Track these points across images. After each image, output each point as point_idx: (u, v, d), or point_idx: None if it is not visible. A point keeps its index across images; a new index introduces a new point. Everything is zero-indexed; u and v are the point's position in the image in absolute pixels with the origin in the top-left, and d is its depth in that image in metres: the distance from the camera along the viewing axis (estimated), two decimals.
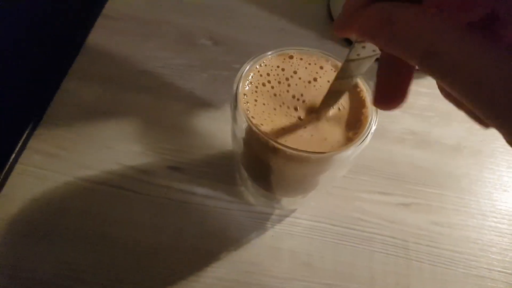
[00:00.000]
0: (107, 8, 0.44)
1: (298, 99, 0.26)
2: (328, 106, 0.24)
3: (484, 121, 0.16)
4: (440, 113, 0.42)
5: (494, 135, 0.41)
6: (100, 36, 0.42)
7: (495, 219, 0.36)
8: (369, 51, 0.19)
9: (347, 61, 0.20)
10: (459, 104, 0.17)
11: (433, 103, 0.42)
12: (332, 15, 0.47)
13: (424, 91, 0.43)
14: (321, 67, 0.27)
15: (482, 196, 0.37)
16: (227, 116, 0.39)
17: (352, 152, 0.24)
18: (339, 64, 0.27)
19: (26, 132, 0.35)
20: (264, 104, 0.25)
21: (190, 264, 0.31)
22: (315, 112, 0.25)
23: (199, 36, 0.44)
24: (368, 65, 0.20)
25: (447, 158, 0.39)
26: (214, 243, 0.32)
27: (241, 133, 0.26)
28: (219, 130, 0.38)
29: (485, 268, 0.33)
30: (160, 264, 0.31)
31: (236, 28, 0.45)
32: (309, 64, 0.27)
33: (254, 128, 0.23)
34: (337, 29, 0.17)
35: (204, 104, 0.40)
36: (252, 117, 0.25)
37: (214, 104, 0.40)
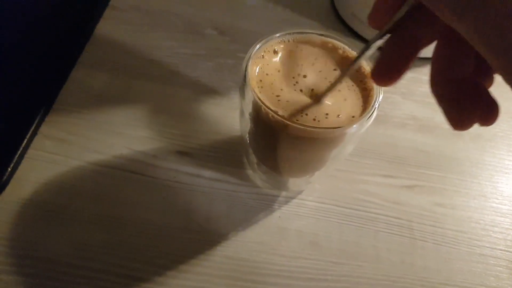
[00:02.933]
0: (114, 0, 0.45)
1: (304, 76, 0.26)
2: (331, 90, 0.25)
3: (455, 121, 0.17)
4: None
5: None
6: (108, 26, 0.43)
7: (496, 200, 0.36)
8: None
9: (362, 56, 0.21)
10: (440, 100, 0.18)
11: None
12: (335, 5, 0.48)
13: (425, 78, 0.44)
14: (327, 48, 0.28)
15: (483, 178, 0.37)
16: (232, 102, 0.40)
17: (360, 127, 0.25)
18: (340, 44, 0.28)
19: (37, 118, 0.36)
20: (272, 82, 0.26)
21: (199, 243, 0.32)
22: (319, 95, 0.26)
23: (205, 26, 0.45)
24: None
25: (448, 142, 0.40)
26: (222, 223, 0.33)
27: (248, 109, 0.27)
28: (225, 116, 0.39)
29: (487, 247, 0.34)
30: (170, 244, 0.32)
31: (241, 18, 0.46)
32: (314, 46, 0.28)
33: (261, 104, 0.24)
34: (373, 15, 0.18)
35: (210, 91, 0.40)
36: (261, 93, 0.25)
37: (220, 91, 0.40)
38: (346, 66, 0.24)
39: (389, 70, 0.20)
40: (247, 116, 0.28)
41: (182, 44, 0.43)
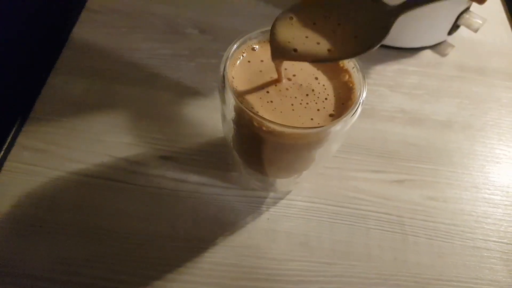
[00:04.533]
0: (91, 2, 0.44)
1: (285, 76, 0.25)
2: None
3: None
4: (429, 91, 0.42)
5: (483, 109, 0.41)
6: (85, 29, 0.42)
7: (488, 191, 0.36)
8: None
9: None
10: None
11: (422, 81, 0.42)
12: None
13: (412, 69, 0.43)
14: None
15: (474, 169, 0.37)
16: (216, 103, 0.39)
17: (344, 124, 0.24)
18: None
19: (14, 128, 0.35)
20: (251, 84, 0.25)
21: (186, 251, 0.31)
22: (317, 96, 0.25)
23: (185, 25, 0.43)
24: None
25: (438, 134, 0.39)
26: (210, 229, 0.32)
27: (230, 115, 0.26)
28: (209, 118, 0.38)
29: (480, 239, 0.33)
30: (156, 253, 0.31)
31: (222, 16, 0.45)
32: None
33: (242, 106, 0.23)
34: None
35: (193, 92, 0.39)
36: (240, 96, 0.24)
37: (203, 92, 0.39)
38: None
39: None
40: (229, 119, 0.27)
41: (163, 45, 0.42)
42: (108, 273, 0.30)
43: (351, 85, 0.26)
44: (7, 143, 0.34)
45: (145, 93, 0.39)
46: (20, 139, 0.35)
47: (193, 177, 0.34)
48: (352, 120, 0.25)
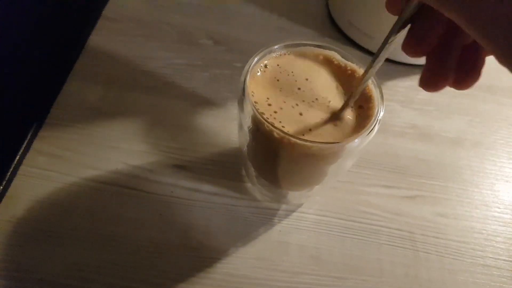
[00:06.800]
0: (107, 10, 0.44)
1: (304, 91, 0.26)
2: (348, 106, 0.25)
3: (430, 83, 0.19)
4: (439, 107, 0.42)
5: (493, 127, 0.42)
6: (101, 37, 0.42)
7: (498, 209, 0.36)
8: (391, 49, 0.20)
9: (375, 63, 0.21)
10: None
11: (432, 97, 0.43)
12: (331, 13, 0.47)
13: None
14: (325, 61, 0.27)
15: (484, 187, 0.37)
16: (229, 113, 0.39)
17: (361, 141, 0.24)
18: (338, 57, 0.27)
19: (30, 133, 0.35)
20: (271, 96, 0.26)
21: (198, 260, 0.31)
22: (336, 113, 0.25)
23: (199, 36, 0.44)
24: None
25: (449, 151, 0.39)
26: (222, 239, 0.32)
27: (247, 123, 0.26)
28: (223, 128, 0.38)
29: (490, 257, 0.33)
30: (168, 262, 0.31)
31: (236, 27, 0.45)
32: (314, 59, 0.28)
33: (260, 117, 0.24)
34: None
35: (206, 102, 0.40)
36: (260, 107, 0.25)
37: (216, 102, 0.40)
38: (358, 80, 0.24)
39: (418, 43, 0.20)
40: (246, 129, 0.27)
41: (177, 54, 0.42)
42: (120, 280, 0.30)
43: (369, 103, 0.26)
44: (22, 148, 0.34)
45: (160, 102, 0.39)
46: (36, 144, 0.35)
47: (206, 187, 0.35)
48: (369, 137, 0.25)
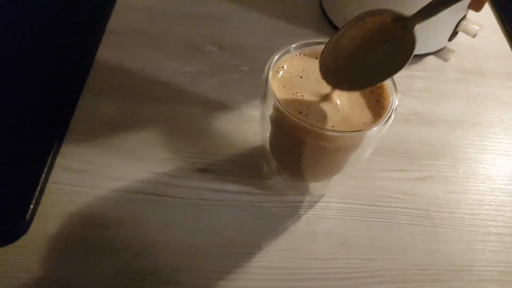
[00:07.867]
0: (111, 24, 0.45)
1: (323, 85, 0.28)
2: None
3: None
4: (436, 93, 0.45)
5: (488, 108, 0.45)
6: (109, 51, 0.43)
7: (502, 182, 0.39)
8: None
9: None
10: None
11: (428, 85, 0.46)
12: (326, 12, 0.50)
13: (419, 74, 0.47)
14: None
15: (488, 163, 0.40)
16: (243, 116, 0.41)
17: (379, 129, 0.26)
18: None
19: (52, 151, 0.35)
20: (293, 90, 0.27)
21: (233, 258, 0.32)
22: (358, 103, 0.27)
23: (204, 43, 0.45)
24: None
25: (451, 133, 0.42)
26: (252, 235, 0.34)
27: (269, 114, 0.28)
28: (239, 130, 0.39)
29: (502, 226, 0.36)
30: (205, 261, 0.32)
31: (238, 33, 0.47)
32: None
33: (284, 110, 0.25)
34: None
35: (219, 106, 0.41)
36: (283, 99, 0.27)
37: (229, 105, 0.41)
38: None
39: None
40: (267, 120, 0.29)
41: (185, 62, 0.44)
42: (160, 285, 0.31)
43: (384, 93, 0.28)
44: (47, 166, 0.35)
45: (174, 109, 0.40)
46: (59, 161, 0.35)
47: (231, 187, 0.36)
48: (387, 125, 0.27)
